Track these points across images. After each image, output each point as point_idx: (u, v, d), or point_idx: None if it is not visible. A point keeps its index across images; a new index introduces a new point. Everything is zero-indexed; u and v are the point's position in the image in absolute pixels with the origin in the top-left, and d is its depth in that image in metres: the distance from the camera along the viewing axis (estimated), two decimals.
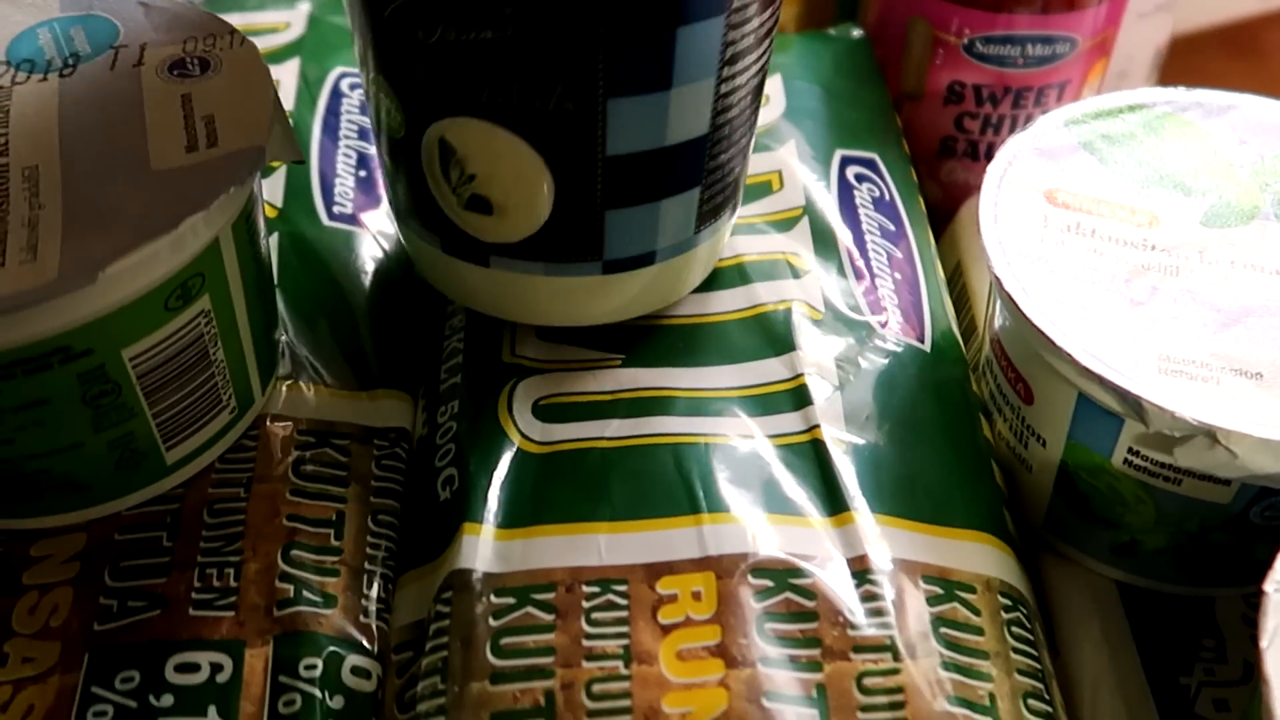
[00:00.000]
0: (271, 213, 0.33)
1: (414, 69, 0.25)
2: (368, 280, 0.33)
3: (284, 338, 0.30)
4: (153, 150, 0.24)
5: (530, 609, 0.25)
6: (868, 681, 0.24)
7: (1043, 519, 0.29)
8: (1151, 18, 0.45)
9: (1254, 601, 0.29)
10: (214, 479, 0.27)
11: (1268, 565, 0.28)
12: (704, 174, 0.27)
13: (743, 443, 0.27)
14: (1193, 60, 0.53)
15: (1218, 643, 0.28)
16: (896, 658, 0.24)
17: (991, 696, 0.24)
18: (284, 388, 0.29)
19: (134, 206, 0.23)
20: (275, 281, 0.31)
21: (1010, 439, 0.29)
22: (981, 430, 0.30)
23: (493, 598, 0.25)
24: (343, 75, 0.38)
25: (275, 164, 0.27)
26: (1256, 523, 0.26)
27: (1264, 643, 0.20)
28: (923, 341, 0.31)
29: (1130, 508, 0.27)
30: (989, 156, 0.40)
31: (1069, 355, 0.25)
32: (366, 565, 0.27)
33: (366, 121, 0.37)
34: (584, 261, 0.27)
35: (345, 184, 0.35)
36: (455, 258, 0.28)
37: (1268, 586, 0.21)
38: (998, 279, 0.27)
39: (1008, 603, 0.26)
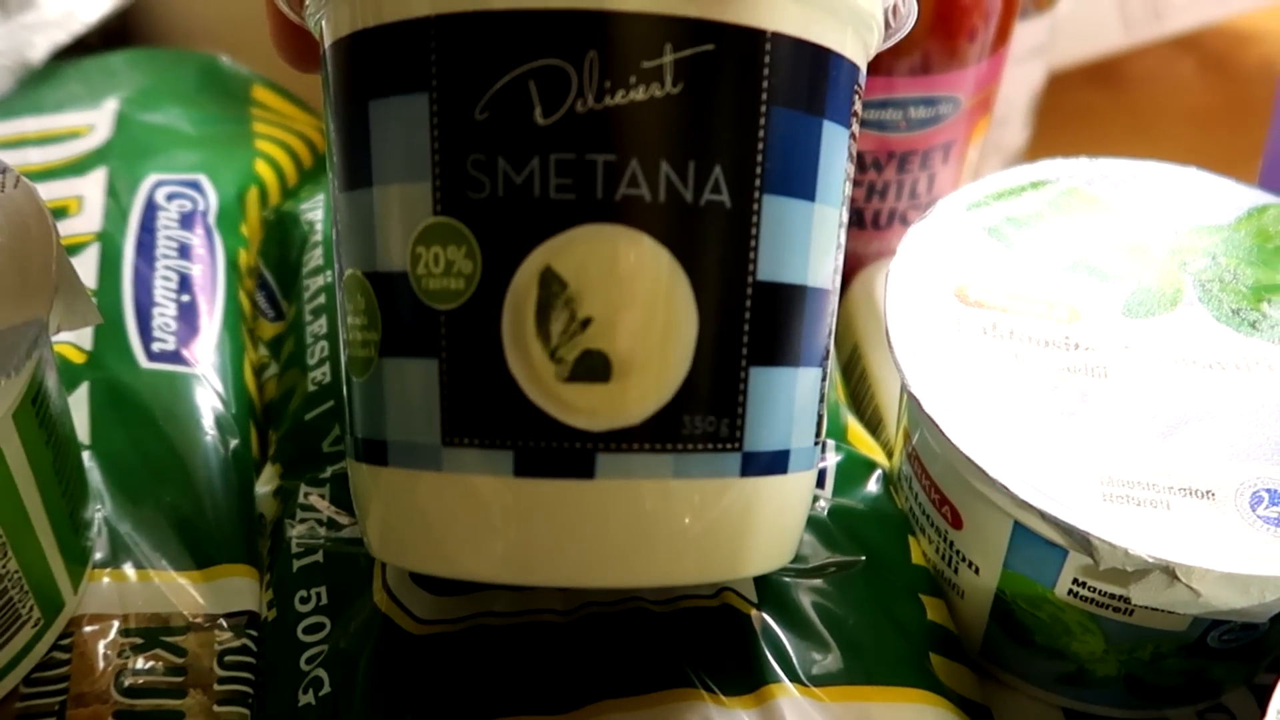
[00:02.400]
0: (79, 358, 0.28)
1: (518, 172, 0.19)
2: (198, 431, 0.28)
3: (100, 513, 0.26)
4: None
5: None
6: None
7: (979, 647, 0.27)
8: (1027, 63, 0.43)
9: (1209, 719, 0.26)
10: (18, 709, 0.23)
11: (1229, 684, 0.26)
12: (824, 353, 0.22)
13: (646, 611, 0.24)
14: (1061, 97, 0.52)
15: None
16: None
17: None
18: (103, 578, 0.25)
19: None
20: (87, 444, 0.27)
21: (938, 562, 0.27)
22: (909, 556, 0.27)
23: None
24: (159, 184, 0.34)
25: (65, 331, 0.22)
26: (1215, 647, 0.24)
27: None
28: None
29: (1076, 637, 0.24)
30: (875, 224, 0.38)
31: (1003, 486, 0.23)
32: None
33: (187, 238, 0.33)
34: (721, 449, 0.20)
35: (165, 313, 0.31)
36: (539, 479, 0.19)
37: None
38: (915, 399, 0.24)
39: None
